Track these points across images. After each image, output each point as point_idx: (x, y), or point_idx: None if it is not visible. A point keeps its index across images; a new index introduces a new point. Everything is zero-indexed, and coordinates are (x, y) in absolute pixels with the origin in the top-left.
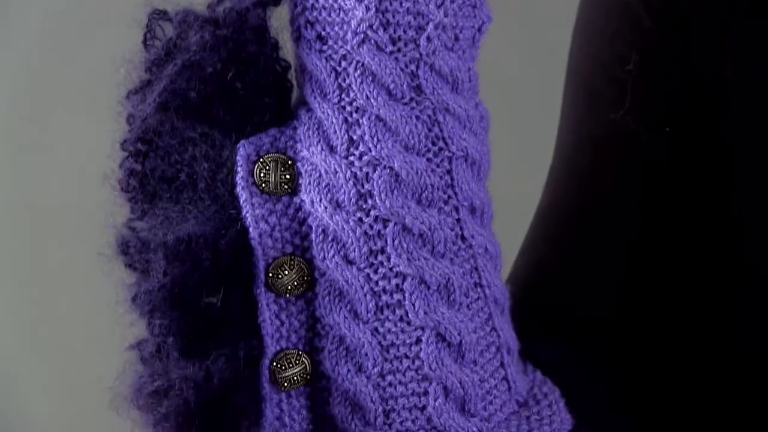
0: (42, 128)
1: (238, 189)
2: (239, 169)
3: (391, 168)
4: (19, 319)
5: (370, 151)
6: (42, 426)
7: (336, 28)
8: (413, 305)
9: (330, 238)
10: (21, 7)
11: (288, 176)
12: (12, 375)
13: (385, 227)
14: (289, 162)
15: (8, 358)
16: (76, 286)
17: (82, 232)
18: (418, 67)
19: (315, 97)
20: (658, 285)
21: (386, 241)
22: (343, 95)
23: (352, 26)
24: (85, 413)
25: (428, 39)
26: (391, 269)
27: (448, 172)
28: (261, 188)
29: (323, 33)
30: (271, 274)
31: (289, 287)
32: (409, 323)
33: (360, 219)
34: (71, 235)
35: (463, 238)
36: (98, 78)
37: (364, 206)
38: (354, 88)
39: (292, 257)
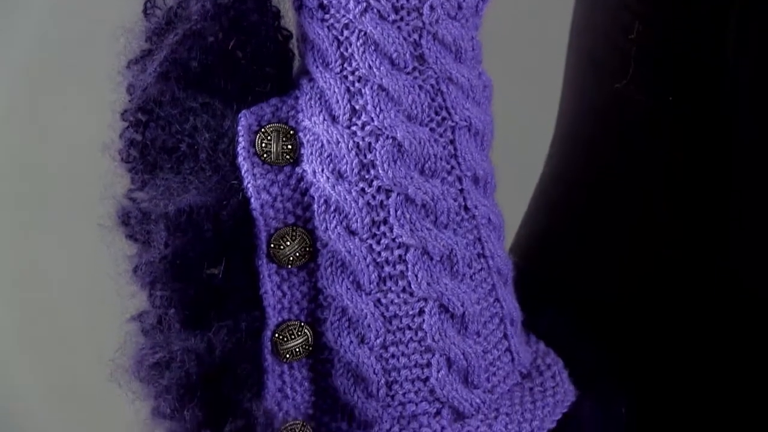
0: (40, 98)
1: (240, 159)
2: (240, 139)
3: (394, 138)
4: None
5: (373, 120)
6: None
7: None
8: (416, 276)
9: (332, 209)
10: None
11: (290, 146)
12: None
13: (387, 198)
14: (291, 132)
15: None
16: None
17: (81, 204)
18: (420, 36)
19: (317, 67)
20: (661, 258)
21: (389, 212)
22: (345, 64)
23: None
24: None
25: (431, 7)
26: (393, 240)
27: (452, 142)
28: (262, 158)
29: (325, 1)
30: (272, 245)
31: (291, 258)
32: (411, 294)
33: (362, 189)
34: (70, 208)
35: (466, 208)
36: (98, 49)
37: (367, 176)
38: (356, 57)
39: (294, 228)
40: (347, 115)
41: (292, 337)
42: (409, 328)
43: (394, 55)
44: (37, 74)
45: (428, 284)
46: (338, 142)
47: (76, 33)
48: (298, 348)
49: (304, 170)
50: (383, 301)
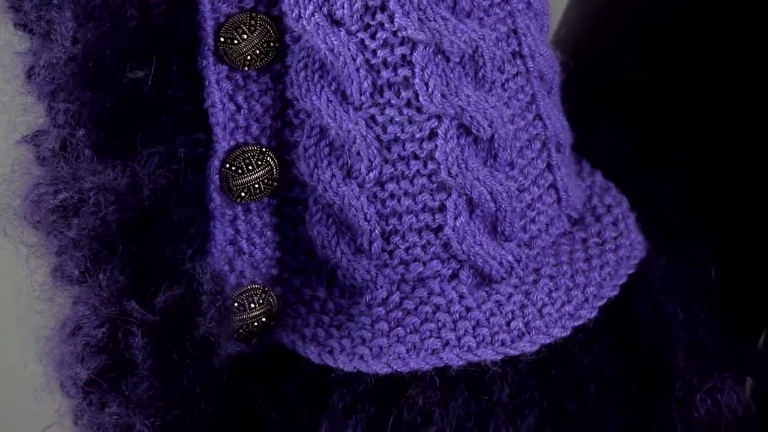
0: None
1: None
2: None
3: None
4: None
5: None
6: None
7: None
8: (426, 84)
9: None
10: None
11: None
12: None
13: None
14: None
15: None
16: None
17: None
18: None
19: None
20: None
21: None
22: None
23: None
24: None
25: None
26: (394, 33)
27: None
28: None
29: None
30: (222, 39)
31: (249, 57)
32: (419, 110)
33: None
34: None
35: None
36: None
37: None
38: None
39: (254, 15)
40: None
41: (250, 168)
42: (416, 156)
43: None
44: None
45: (443, 96)
46: None
47: None
48: (258, 183)
49: None
50: (379, 118)
